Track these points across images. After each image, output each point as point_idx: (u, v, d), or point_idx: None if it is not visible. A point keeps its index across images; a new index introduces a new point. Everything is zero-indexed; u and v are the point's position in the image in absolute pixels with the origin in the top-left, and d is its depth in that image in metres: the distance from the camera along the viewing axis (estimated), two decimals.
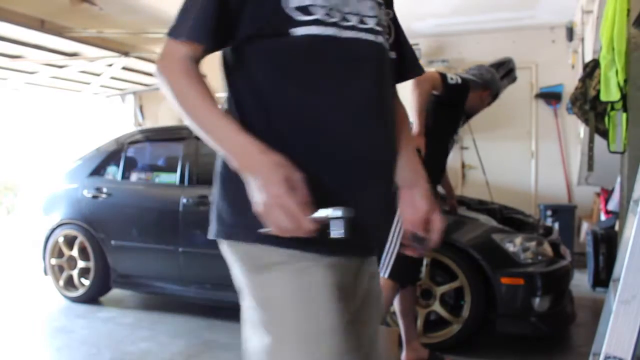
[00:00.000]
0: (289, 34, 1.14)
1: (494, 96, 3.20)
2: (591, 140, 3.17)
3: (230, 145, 1.11)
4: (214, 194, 1.29)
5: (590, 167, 3.22)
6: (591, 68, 2.94)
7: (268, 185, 1.03)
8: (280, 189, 1.02)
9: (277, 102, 1.17)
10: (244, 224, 1.17)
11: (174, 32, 1.20)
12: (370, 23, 1.25)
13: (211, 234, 1.30)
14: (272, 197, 1.02)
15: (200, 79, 1.19)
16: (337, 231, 1.04)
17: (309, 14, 1.14)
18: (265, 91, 1.17)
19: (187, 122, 1.16)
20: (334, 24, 1.16)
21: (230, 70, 1.26)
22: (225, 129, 1.12)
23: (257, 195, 1.05)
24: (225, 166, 1.22)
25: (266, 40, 1.16)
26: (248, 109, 1.20)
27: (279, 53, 1.16)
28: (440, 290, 3.39)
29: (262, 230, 1.08)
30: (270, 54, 1.16)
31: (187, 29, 1.18)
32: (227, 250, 1.26)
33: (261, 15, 1.14)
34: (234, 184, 1.17)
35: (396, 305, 3.00)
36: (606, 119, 2.70)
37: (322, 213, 1.04)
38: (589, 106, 2.84)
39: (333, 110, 1.16)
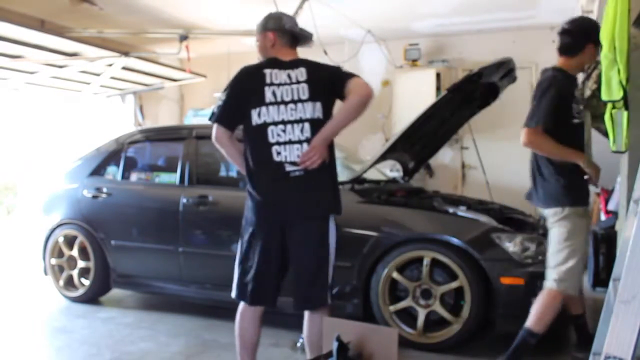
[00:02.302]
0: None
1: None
2: (587, 138, 3.17)
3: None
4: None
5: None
6: (591, 70, 2.95)
7: None
8: None
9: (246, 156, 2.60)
10: None
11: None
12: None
13: None
14: None
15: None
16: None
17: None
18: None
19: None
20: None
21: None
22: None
23: None
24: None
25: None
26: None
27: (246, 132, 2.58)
28: (440, 290, 3.39)
29: None
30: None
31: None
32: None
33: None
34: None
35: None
36: (607, 118, 2.70)
37: None
38: (583, 105, 2.85)
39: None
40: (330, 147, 2.61)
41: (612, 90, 2.38)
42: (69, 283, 4.68)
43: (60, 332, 3.93)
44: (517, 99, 6.26)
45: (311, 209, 2.56)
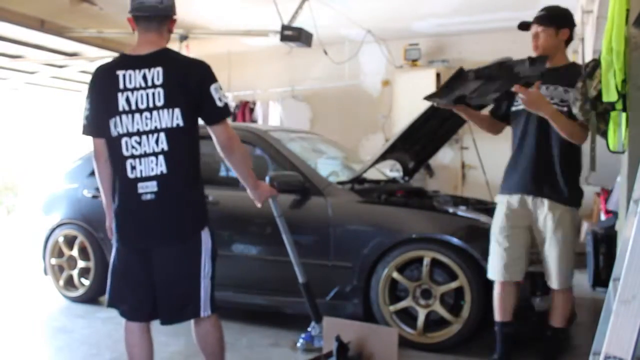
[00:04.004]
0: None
1: None
2: (593, 141, 3.17)
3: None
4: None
5: (593, 167, 3.22)
6: (591, 68, 2.94)
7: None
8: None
9: None
10: None
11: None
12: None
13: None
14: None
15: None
16: None
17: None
18: None
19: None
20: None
21: None
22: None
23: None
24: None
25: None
26: None
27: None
28: (440, 290, 3.39)
29: None
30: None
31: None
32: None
33: None
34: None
35: None
36: (607, 118, 2.70)
37: None
38: (590, 106, 2.84)
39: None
40: (196, 156, 2.39)
41: (610, 92, 2.39)
42: (69, 283, 4.67)
43: (60, 332, 3.93)
44: None
45: (170, 232, 2.33)
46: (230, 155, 2.40)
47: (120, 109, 2.27)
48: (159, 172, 2.28)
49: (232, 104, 7.89)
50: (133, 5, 2.30)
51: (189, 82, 2.26)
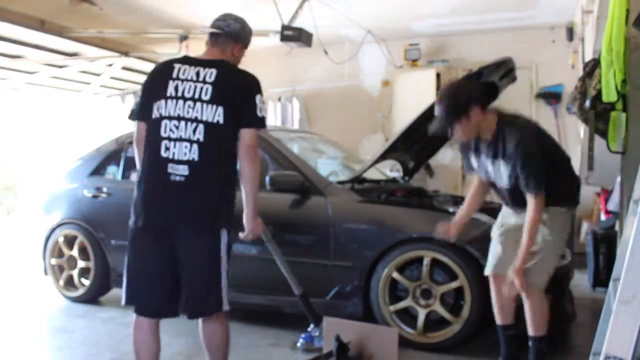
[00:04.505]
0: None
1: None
2: (591, 140, 3.17)
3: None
4: None
5: (591, 167, 3.23)
6: (591, 67, 2.95)
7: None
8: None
9: None
10: None
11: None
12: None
13: None
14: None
15: None
16: None
17: None
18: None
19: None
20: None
21: None
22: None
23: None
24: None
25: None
26: None
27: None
28: (440, 290, 3.39)
29: None
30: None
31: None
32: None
33: None
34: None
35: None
36: (607, 118, 2.71)
37: None
38: (589, 106, 2.85)
39: None
40: (230, 158, 2.46)
41: (610, 92, 2.39)
42: (69, 283, 4.67)
43: (60, 332, 3.93)
44: (517, 99, 6.27)
45: (193, 217, 2.39)
46: (248, 161, 2.45)
47: (168, 94, 2.41)
48: (190, 158, 2.37)
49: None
50: (212, 23, 2.63)
51: (238, 88, 2.44)
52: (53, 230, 4.73)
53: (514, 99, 5.43)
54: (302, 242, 3.75)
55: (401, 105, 7.02)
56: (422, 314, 3.41)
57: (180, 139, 2.37)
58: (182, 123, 2.38)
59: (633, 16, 2.29)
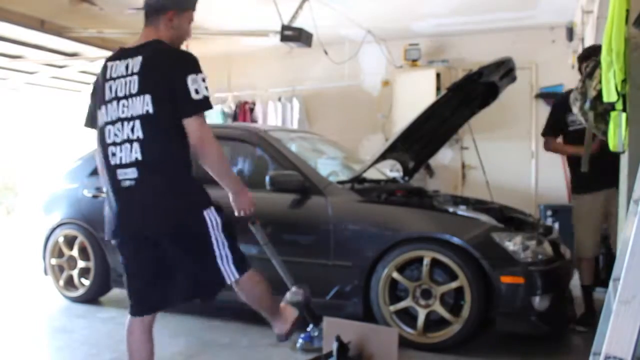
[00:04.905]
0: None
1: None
2: (589, 138, 3.17)
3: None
4: None
5: (585, 167, 3.23)
6: (591, 68, 2.94)
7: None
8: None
9: None
10: None
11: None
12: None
13: None
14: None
15: None
16: None
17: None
18: None
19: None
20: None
21: None
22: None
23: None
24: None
25: None
26: None
27: None
28: (440, 290, 3.39)
29: None
30: None
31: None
32: None
33: None
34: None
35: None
36: (607, 118, 2.71)
37: None
38: (589, 106, 2.85)
39: None
40: (177, 148, 2.28)
41: (610, 92, 2.39)
42: (69, 283, 4.67)
43: (60, 332, 3.92)
44: (517, 99, 6.28)
45: (158, 222, 2.29)
46: (200, 155, 2.30)
47: (106, 98, 2.32)
48: (134, 159, 2.25)
49: (233, 107, 7.89)
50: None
51: (164, 70, 2.24)
52: (53, 230, 4.72)
53: (514, 99, 5.43)
54: (302, 242, 3.75)
55: (401, 105, 7.03)
56: (422, 314, 3.41)
57: (123, 142, 2.26)
58: (121, 124, 2.26)
59: (633, 16, 2.29)
